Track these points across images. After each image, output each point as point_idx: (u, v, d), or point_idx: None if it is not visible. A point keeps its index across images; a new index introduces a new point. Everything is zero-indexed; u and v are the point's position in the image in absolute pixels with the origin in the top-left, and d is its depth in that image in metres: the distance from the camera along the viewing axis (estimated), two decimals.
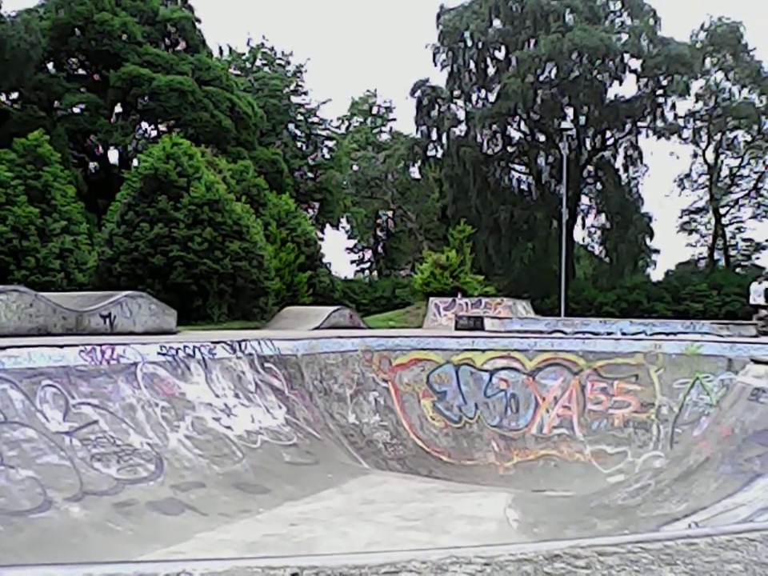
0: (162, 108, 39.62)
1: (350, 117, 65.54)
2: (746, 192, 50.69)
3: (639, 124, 49.17)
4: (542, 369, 14.34)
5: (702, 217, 53.63)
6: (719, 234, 51.57)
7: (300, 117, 56.22)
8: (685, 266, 52.59)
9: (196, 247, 23.62)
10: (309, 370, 13.44)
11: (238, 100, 42.58)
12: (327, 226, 57.11)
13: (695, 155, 51.59)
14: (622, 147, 50.50)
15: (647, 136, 50.03)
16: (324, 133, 57.98)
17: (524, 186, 52.87)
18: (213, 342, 11.80)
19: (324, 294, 32.32)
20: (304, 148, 56.48)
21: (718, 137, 49.65)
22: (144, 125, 43.92)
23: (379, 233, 64.88)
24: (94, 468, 8.06)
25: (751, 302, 21.48)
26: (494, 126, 49.39)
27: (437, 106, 51.59)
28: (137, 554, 6.50)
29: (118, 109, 41.92)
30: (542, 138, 50.94)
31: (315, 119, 57.06)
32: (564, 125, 49.74)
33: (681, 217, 54.15)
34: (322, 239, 45.24)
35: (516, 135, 51.67)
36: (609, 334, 19.24)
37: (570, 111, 49.53)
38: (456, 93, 51.40)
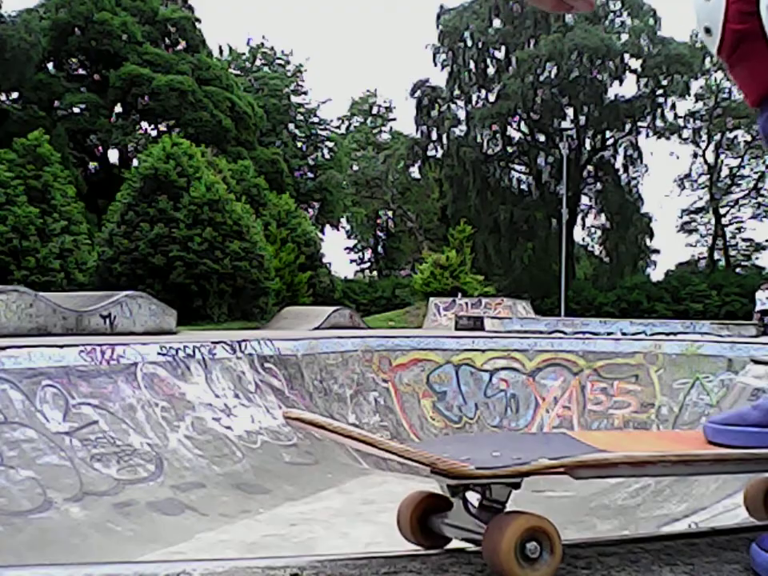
0: (162, 108, 39.61)
1: (350, 117, 65.50)
2: (746, 192, 50.68)
3: (639, 124, 49.16)
4: (542, 369, 14.35)
5: (702, 217, 53.65)
6: (719, 234, 51.57)
7: (300, 117, 56.20)
8: (685, 266, 52.58)
9: (196, 247, 23.62)
10: (309, 370, 13.44)
11: (238, 100, 42.56)
12: (327, 226, 57.08)
13: (695, 155, 51.63)
14: (621, 147, 50.50)
15: (647, 136, 50.06)
16: (324, 133, 57.95)
17: (524, 186, 52.84)
18: (213, 342, 11.79)
19: (324, 294, 32.32)
20: (304, 148, 56.45)
21: (718, 137, 49.66)
22: (144, 125, 43.90)
23: (379, 233, 64.83)
24: (94, 468, 8.06)
25: (758, 308, 21.56)
26: (494, 126, 49.36)
27: (437, 106, 51.57)
28: (137, 554, 6.50)
29: (118, 109, 41.90)
30: (542, 138, 50.93)
31: (315, 119, 57.04)
32: (564, 125, 49.73)
33: (681, 217, 54.20)
34: (321, 239, 45.19)
35: (516, 135, 51.66)
36: (609, 334, 19.24)
37: (570, 111, 49.52)
38: (456, 93, 51.38)
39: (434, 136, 52.05)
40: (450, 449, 0.98)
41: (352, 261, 67.74)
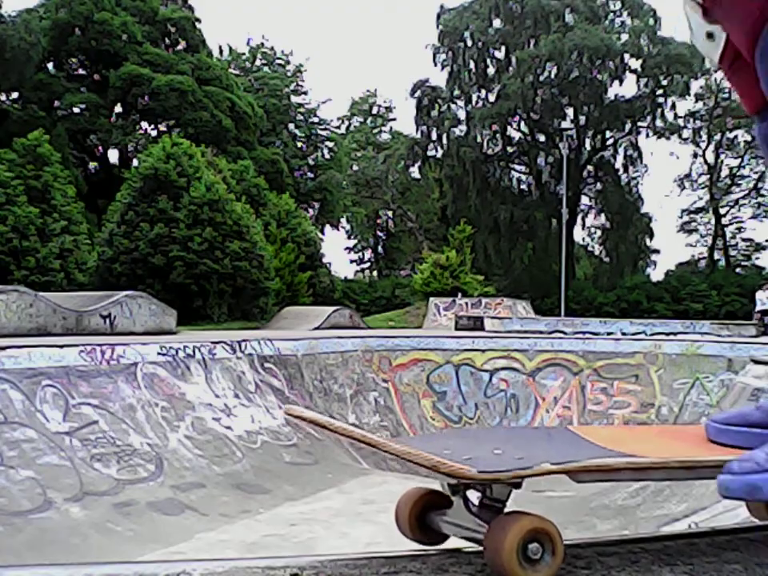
0: (162, 108, 39.61)
1: (350, 117, 65.49)
2: (746, 192, 50.66)
3: (639, 124, 49.17)
4: (542, 369, 14.35)
5: (702, 217, 53.64)
6: (719, 234, 51.56)
7: (300, 117, 56.20)
8: (685, 266, 52.57)
9: (196, 247, 23.62)
10: (309, 370, 13.43)
11: (238, 100, 42.56)
12: (327, 226, 57.09)
13: (695, 155, 51.62)
14: (621, 147, 50.50)
15: (647, 136, 50.06)
16: (324, 133, 57.95)
17: (524, 186, 52.86)
18: (213, 342, 11.79)
19: (324, 294, 32.32)
20: (304, 148, 56.45)
21: (718, 137, 49.66)
22: (144, 125, 43.90)
23: (379, 233, 64.81)
24: (94, 468, 8.06)
25: (759, 308, 21.56)
26: (494, 126, 49.37)
27: (437, 106, 51.57)
28: (137, 554, 6.50)
29: (118, 109, 41.89)
30: (542, 138, 50.94)
31: (315, 119, 57.04)
32: (564, 125, 49.72)
33: (681, 217, 54.17)
34: (321, 239, 45.19)
35: (516, 135, 51.67)
36: (609, 334, 19.24)
37: (570, 111, 49.51)
38: (456, 93, 51.39)
39: (434, 136, 52.04)
40: (452, 444, 0.98)
41: (352, 261, 67.75)
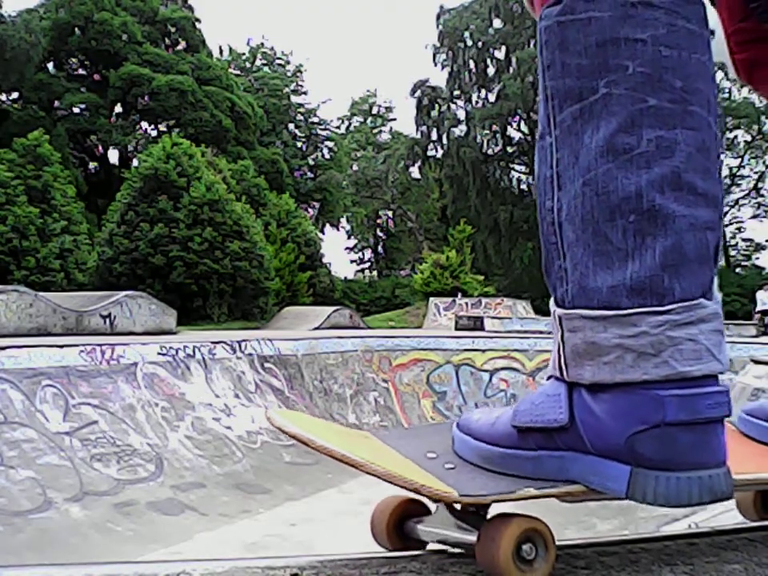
0: (162, 108, 39.63)
1: (350, 117, 65.51)
2: (746, 192, 50.67)
3: None
4: (542, 369, 14.33)
5: None
6: None
7: (300, 117, 56.25)
8: None
9: (196, 247, 23.63)
10: (309, 370, 13.44)
11: (238, 100, 42.58)
12: (327, 225, 57.13)
13: None
14: None
15: None
16: (324, 133, 57.99)
17: (524, 186, 52.87)
18: (213, 342, 11.80)
19: (324, 294, 32.31)
20: (304, 148, 56.49)
21: None
22: (144, 125, 43.92)
23: (379, 233, 64.83)
24: (94, 468, 8.06)
25: (759, 308, 21.56)
26: (494, 126, 49.40)
27: (437, 106, 51.60)
28: (137, 554, 6.50)
29: (118, 109, 41.91)
30: None
31: (315, 119, 57.09)
32: None
33: None
34: (321, 239, 45.19)
35: (516, 135, 51.69)
36: None
37: None
38: (456, 93, 51.42)
39: (434, 136, 52.05)
40: (437, 443, 0.98)
41: (352, 261, 67.81)
